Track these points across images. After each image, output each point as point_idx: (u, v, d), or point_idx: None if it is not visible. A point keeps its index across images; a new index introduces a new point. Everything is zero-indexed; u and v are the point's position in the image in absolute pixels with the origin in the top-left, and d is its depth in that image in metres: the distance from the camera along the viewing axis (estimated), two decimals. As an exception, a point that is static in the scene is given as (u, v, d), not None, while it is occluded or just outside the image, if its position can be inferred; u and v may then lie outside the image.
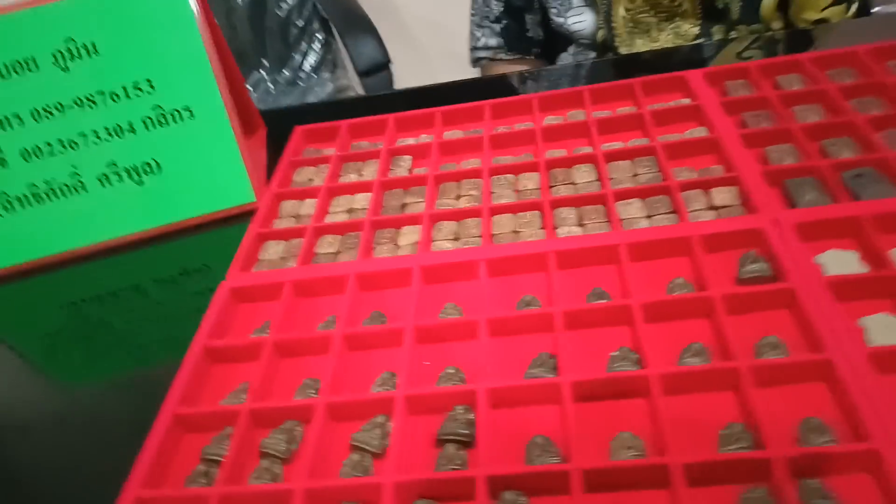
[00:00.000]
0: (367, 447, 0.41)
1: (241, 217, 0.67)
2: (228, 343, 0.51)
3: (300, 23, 1.64)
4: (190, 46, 0.64)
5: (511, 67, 1.10)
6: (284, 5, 1.63)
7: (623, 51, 0.96)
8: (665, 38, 0.94)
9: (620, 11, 0.94)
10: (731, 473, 0.36)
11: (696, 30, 0.93)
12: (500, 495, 0.38)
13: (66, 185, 0.65)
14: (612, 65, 0.89)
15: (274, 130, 0.79)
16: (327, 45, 1.68)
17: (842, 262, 0.48)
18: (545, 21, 1.04)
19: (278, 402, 0.46)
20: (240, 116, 0.69)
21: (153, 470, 0.43)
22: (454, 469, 0.39)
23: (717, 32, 0.93)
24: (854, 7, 0.90)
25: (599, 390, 0.42)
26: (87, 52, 0.63)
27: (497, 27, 1.06)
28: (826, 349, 0.41)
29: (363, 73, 1.36)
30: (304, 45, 1.63)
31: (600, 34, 0.97)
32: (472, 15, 1.09)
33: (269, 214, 0.64)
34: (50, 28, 0.62)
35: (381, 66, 1.36)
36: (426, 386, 0.45)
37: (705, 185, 0.55)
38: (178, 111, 0.65)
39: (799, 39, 0.83)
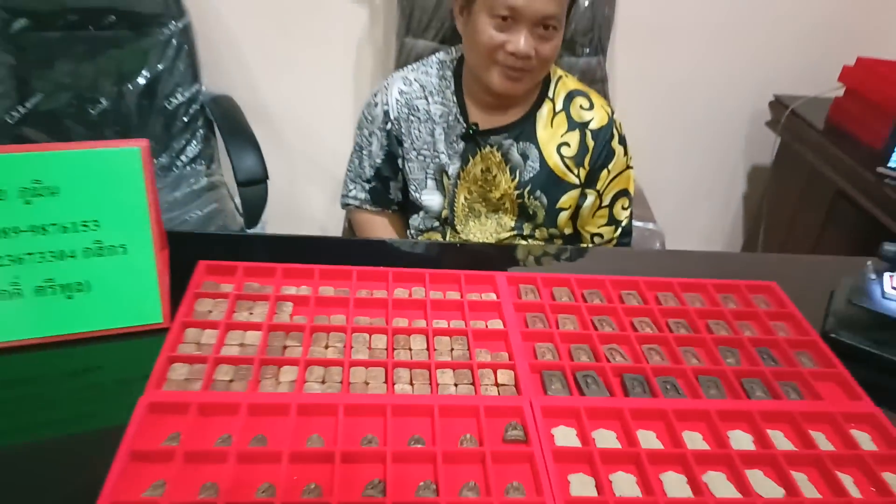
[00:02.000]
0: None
1: (150, 333, 0.84)
2: (149, 448, 0.69)
3: (185, 119, 1.80)
4: (134, 197, 0.82)
5: (371, 216, 1.36)
6: (174, 100, 1.78)
7: (459, 227, 1.26)
8: (490, 225, 1.26)
9: (461, 199, 1.25)
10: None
11: (512, 223, 1.26)
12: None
13: (5, 291, 0.79)
14: (449, 249, 1.18)
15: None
16: (207, 140, 1.85)
17: (566, 435, 0.77)
18: (405, 189, 1.31)
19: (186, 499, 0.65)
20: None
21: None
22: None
23: (527, 228, 1.26)
24: (620, 229, 1.28)
25: (408, 509, 0.66)
26: (50, 192, 0.79)
27: (367, 186, 1.32)
28: (543, 494, 0.68)
29: (241, 184, 1.55)
30: (186, 136, 1.79)
31: (444, 213, 1.27)
32: (348, 171, 1.34)
33: (176, 339, 0.83)
34: (21, 170, 0.78)
35: (259, 181, 1.56)
36: (294, 495, 0.66)
37: (494, 367, 0.83)
38: (113, 246, 0.83)
39: (575, 256, 1.17)
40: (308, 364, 0.81)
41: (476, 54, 1.14)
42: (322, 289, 0.94)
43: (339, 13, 1.87)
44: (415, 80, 1.25)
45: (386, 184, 1.32)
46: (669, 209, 2.12)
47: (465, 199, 1.25)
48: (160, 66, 1.71)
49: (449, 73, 1.24)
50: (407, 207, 1.34)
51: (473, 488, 0.69)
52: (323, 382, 0.79)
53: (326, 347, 0.85)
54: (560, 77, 1.25)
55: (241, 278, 0.94)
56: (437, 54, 1.29)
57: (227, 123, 1.69)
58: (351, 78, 1.97)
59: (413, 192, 1.28)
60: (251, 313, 0.89)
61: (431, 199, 1.27)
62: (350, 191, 1.34)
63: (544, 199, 1.22)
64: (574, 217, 1.27)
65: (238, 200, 1.60)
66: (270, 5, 1.86)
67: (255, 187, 1.56)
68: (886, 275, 0.97)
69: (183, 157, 1.81)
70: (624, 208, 1.28)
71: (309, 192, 2.13)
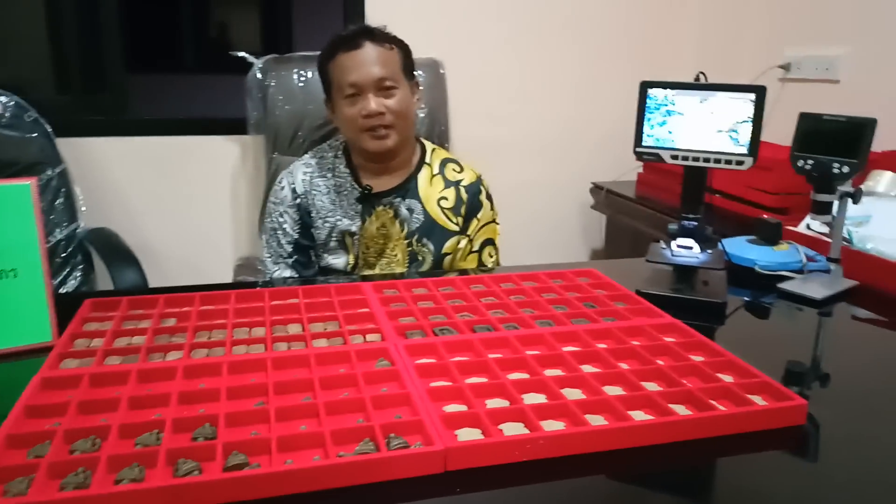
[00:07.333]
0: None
1: (38, 353, 0.91)
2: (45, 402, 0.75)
3: (64, 255, 1.88)
4: (26, 226, 0.93)
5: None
6: (52, 238, 1.87)
7: (358, 273, 1.45)
8: (381, 268, 1.44)
9: (360, 255, 1.43)
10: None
11: (402, 270, 1.44)
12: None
13: None
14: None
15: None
16: (86, 274, 1.92)
17: (427, 363, 0.89)
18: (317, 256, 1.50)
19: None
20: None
21: None
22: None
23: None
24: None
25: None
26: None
27: (290, 261, 1.48)
28: (406, 387, 0.79)
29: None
30: (66, 271, 1.86)
31: (349, 267, 1.44)
32: (267, 257, 1.50)
33: (66, 345, 0.90)
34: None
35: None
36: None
37: (362, 332, 0.96)
38: (4, 270, 0.92)
39: (430, 274, 1.35)
40: (193, 347, 0.90)
41: (348, 131, 1.42)
42: (203, 308, 1.04)
43: (212, 153, 2.11)
44: (314, 163, 1.49)
45: (306, 253, 1.49)
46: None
47: (363, 254, 1.46)
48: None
49: (340, 153, 1.50)
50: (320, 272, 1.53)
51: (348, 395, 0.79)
52: (207, 356, 0.89)
53: (209, 339, 0.94)
54: (433, 149, 1.54)
55: (126, 307, 1.03)
56: (324, 144, 1.55)
57: (106, 246, 1.79)
58: (228, 206, 2.16)
59: (323, 256, 1.47)
60: (136, 326, 0.97)
61: (337, 259, 1.48)
62: (274, 272, 1.48)
63: (430, 246, 1.47)
64: (450, 261, 1.48)
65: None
66: (145, 152, 2.06)
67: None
68: (672, 242, 1.22)
69: (63, 291, 1.86)
70: (490, 256, 1.54)
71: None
